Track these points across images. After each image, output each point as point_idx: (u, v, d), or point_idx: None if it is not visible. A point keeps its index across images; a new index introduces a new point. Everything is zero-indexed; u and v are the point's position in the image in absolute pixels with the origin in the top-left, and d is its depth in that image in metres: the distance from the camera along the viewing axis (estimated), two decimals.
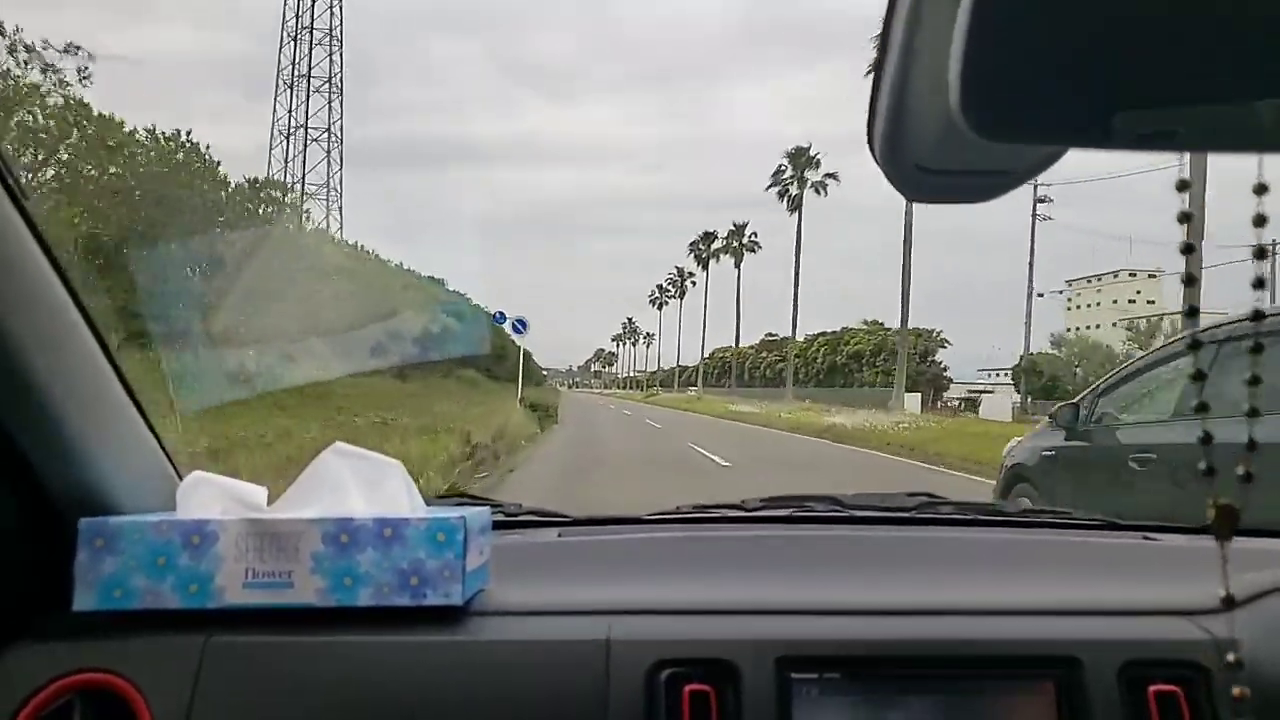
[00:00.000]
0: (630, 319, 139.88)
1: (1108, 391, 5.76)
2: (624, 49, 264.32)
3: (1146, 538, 1.52)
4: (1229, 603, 0.48)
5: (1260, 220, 0.39)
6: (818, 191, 53.20)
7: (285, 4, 54.16)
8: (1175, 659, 1.04)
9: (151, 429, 1.09)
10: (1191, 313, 0.42)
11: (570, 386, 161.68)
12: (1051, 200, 48.74)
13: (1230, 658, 0.61)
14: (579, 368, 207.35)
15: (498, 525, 1.33)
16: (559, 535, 1.42)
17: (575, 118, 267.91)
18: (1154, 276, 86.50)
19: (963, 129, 0.38)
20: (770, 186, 54.69)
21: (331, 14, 54.13)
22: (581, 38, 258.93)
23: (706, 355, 79.43)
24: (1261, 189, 0.38)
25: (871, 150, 0.48)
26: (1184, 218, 0.41)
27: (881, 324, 63.09)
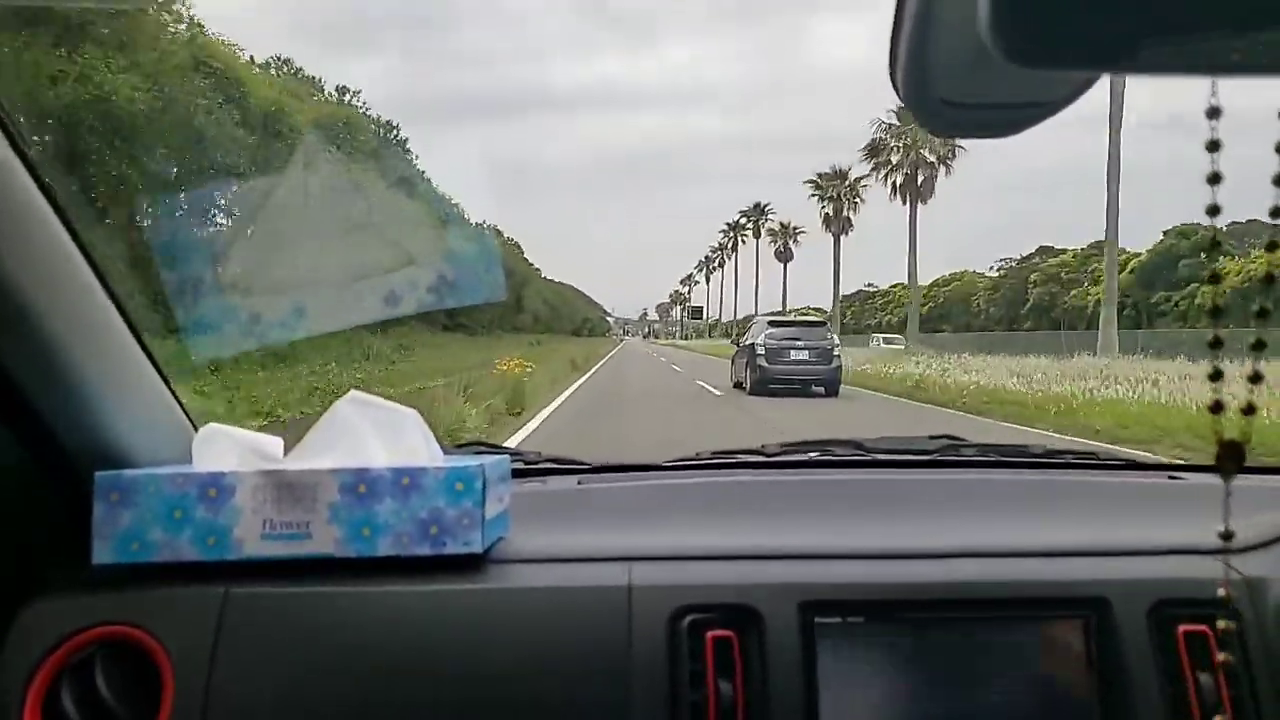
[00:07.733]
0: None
1: (742, 333, 20.95)
2: None
3: (1172, 477, 1.50)
4: (1227, 538, 0.48)
5: None
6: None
7: None
8: (1205, 598, 1.03)
9: (166, 381, 1.09)
10: (1214, 278, 0.40)
11: (645, 336, 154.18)
12: None
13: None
14: (656, 309, 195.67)
15: (517, 474, 1.33)
16: (579, 483, 1.42)
17: (655, 66, 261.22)
18: None
19: (991, 55, 0.38)
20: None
21: None
22: None
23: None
24: None
25: (894, 86, 0.47)
26: (1214, 179, 0.38)
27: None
